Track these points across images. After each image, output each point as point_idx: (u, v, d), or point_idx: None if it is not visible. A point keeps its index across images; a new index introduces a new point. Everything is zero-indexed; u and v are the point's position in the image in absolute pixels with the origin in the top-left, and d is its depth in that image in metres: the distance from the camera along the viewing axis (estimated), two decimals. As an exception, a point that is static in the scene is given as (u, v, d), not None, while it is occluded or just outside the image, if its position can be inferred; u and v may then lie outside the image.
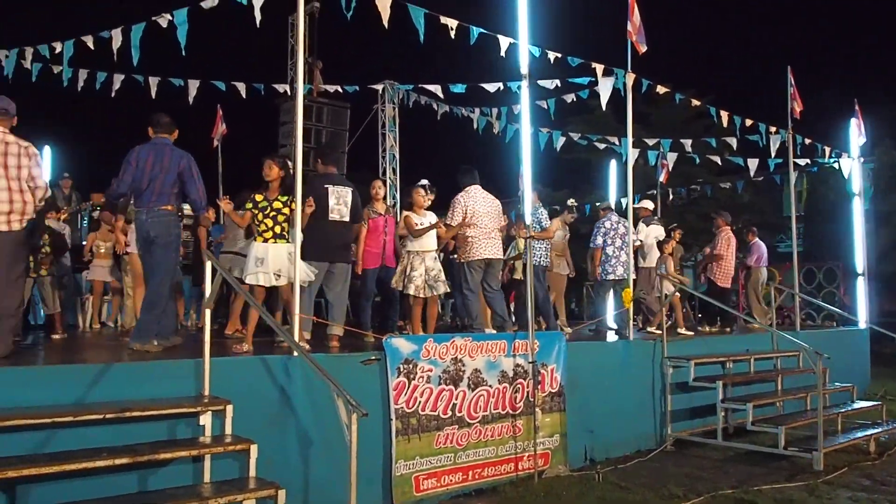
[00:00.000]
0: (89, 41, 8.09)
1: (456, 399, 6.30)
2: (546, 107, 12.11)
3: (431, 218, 7.33)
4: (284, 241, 6.22)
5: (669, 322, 10.34)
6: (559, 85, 10.78)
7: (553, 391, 7.10)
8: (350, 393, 4.38)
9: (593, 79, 8.79)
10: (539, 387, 6.87)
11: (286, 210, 6.25)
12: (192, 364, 5.06)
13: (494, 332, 7.65)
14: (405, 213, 7.54)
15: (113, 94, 10.59)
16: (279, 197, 6.29)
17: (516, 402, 6.74)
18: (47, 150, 15.29)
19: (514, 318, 8.87)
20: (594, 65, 8.54)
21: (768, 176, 15.04)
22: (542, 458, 6.83)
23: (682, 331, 10.10)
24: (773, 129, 11.41)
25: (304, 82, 8.20)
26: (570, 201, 11.13)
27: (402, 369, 5.96)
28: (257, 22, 6.48)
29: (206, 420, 4.83)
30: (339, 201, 6.92)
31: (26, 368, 4.89)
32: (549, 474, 6.84)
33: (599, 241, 9.79)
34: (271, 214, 6.23)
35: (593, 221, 10.84)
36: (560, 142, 13.42)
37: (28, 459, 4.05)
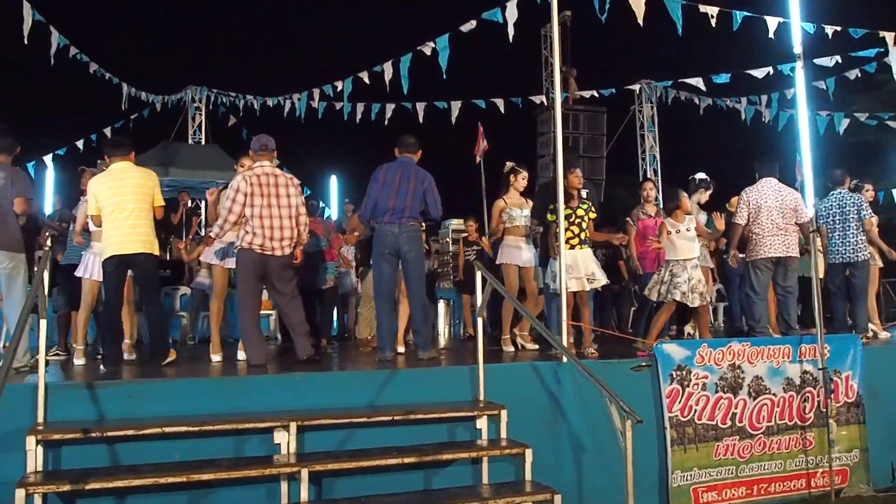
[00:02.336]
0: (365, 76, 8.92)
1: (735, 408, 5.91)
2: (824, 87, 10.98)
3: (691, 223, 6.91)
4: (587, 247, 6.55)
5: None
6: (839, 61, 9.72)
7: (849, 401, 6.37)
8: (623, 400, 4.32)
9: (881, 49, 7.79)
10: (832, 396, 6.20)
11: (587, 216, 6.57)
12: (468, 370, 5.33)
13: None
14: (664, 218, 7.24)
15: (386, 123, 11.58)
16: (580, 205, 6.55)
17: (805, 413, 6.15)
18: (333, 179, 17.21)
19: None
20: (882, 33, 7.58)
21: None
22: (838, 475, 6.16)
23: None
24: None
25: (561, 91, 8.29)
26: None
27: (674, 376, 5.73)
28: (510, 37, 6.69)
29: (482, 424, 5.05)
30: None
31: (327, 374, 5.49)
32: (849, 493, 6.14)
33: None
34: (576, 222, 6.50)
35: (890, 210, 9.51)
36: (843, 124, 12.07)
37: (333, 455, 4.55)
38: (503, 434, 5.01)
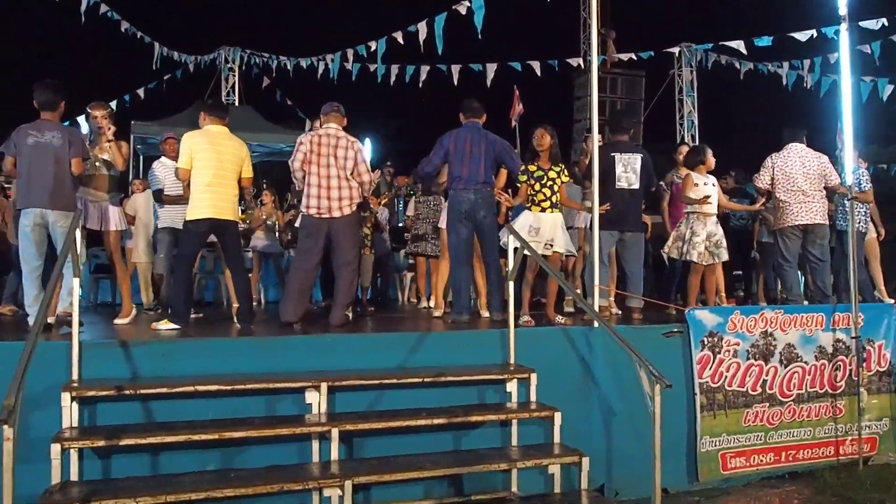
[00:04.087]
0: (399, 37, 8.81)
1: (766, 375, 5.85)
2: (869, 51, 10.60)
3: (712, 180, 6.82)
4: (558, 211, 6.33)
5: None
6: (885, 24, 9.35)
7: (882, 370, 6.31)
8: (652, 365, 4.28)
9: (932, 11, 7.47)
10: (864, 365, 6.13)
11: (559, 180, 6.33)
12: (499, 334, 5.34)
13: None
14: (686, 172, 7.12)
15: (420, 85, 11.46)
16: (552, 167, 6.35)
17: (836, 381, 6.09)
18: (368, 142, 17.16)
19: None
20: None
21: None
22: (867, 443, 6.15)
23: None
24: None
25: (598, 54, 8.10)
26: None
27: (706, 342, 5.67)
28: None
29: (512, 387, 5.07)
30: (627, 169, 6.77)
31: (359, 336, 5.54)
32: (877, 461, 6.11)
33: None
34: (548, 184, 6.30)
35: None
36: (887, 91, 11.67)
37: (362, 416, 4.61)
38: (533, 397, 5.03)
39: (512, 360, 5.19)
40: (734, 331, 5.77)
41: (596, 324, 5.26)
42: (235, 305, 6.34)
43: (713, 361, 5.68)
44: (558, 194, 6.34)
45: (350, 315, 6.42)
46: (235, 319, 6.16)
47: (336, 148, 5.98)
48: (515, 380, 5.06)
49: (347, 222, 6.01)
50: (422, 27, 8.21)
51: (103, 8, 9.87)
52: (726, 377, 5.72)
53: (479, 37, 7.11)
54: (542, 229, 6.23)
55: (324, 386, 4.58)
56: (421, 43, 8.25)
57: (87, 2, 8.16)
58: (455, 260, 6.38)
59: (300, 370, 4.79)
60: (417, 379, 4.80)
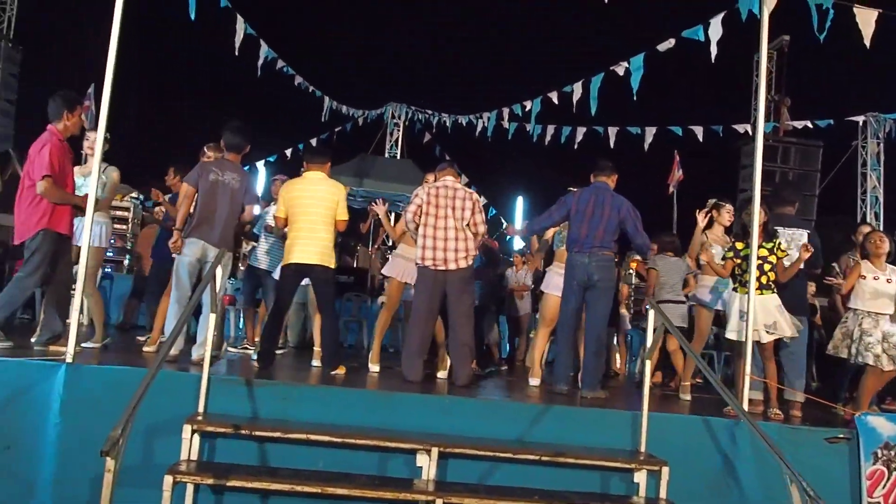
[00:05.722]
0: (554, 97, 8.68)
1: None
2: None
3: (893, 275, 5.88)
4: (770, 292, 5.72)
5: None
6: None
7: None
8: (809, 477, 3.68)
9: None
10: None
11: (772, 258, 5.74)
12: (630, 416, 4.88)
13: None
14: (856, 260, 6.28)
15: (575, 146, 11.25)
16: (763, 243, 5.76)
17: None
18: (520, 200, 17.14)
19: None
20: None
21: None
22: None
23: None
24: None
25: (769, 120, 7.51)
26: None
27: (880, 455, 4.88)
28: (712, 57, 6.13)
29: (640, 478, 4.57)
30: (791, 245, 6.10)
31: (477, 401, 5.24)
32: None
33: None
34: (757, 263, 5.67)
35: None
36: None
37: (471, 489, 4.29)
38: (663, 494, 4.49)
39: (643, 448, 4.70)
40: (915, 443, 4.94)
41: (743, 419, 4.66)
42: (317, 349, 6.31)
43: (888, 479, 4.86)
44: (769, 274, 5.74)
45: (478, 371, 6.19)
46: (319, 364, 6.12)
47: (454, 199, 5.90)
48: (645, 471, 4.56)
49: (462, 276, 5.87)
50: (577, 87, 8.02)
51: (280, 63, 10.52)
52: (903, 498, 4.88)
53: (635, 98, 6.79)
54: (754, 313, 5.63)
55: (434, 451, 4.36)
56: (574, 103, 8.04)
57: (264, 56, 8.73)
58: (560, 325, 6.05)
59: (414, 430, 4.61)
60: (534, 456, 4.44)
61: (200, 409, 4.50)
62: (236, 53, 7.64)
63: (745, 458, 4.74)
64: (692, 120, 11.19)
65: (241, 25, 7.60)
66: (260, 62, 8.68)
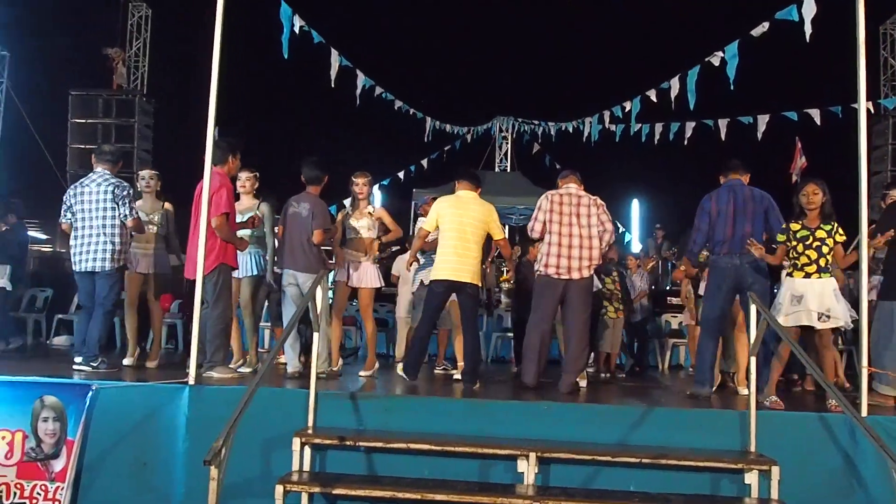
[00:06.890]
0: (652, 94, 8.50)
1: None
2: None
3: None
4: (828, 276, 5.36)
5: None
6: None
7: None
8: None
9: None
10: None
11: (830, 241, 5.36)
12: (737, 416, 4.71)
13: None
14: None
15: (685, 142, 10.91)
16: (822, 225, 5.41)
17: None
18: (635, 203, 16.71)
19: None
20: None
21: None
22: None
23: None
24: None
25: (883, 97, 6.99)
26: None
27: None
28: (807, 36, 5.83)
29: (751, 479, 4.39)
30: None
31: (576, 406, 5.20)
32: None
33: None
34: (814, 245, 5.37)
35: None
36: None
37: (570, 493, 4.29)
38: (774, 495, 4.28)
39: (752, 448, 4.51)
40: None
41: (864, 413, 4.38)
42: (460, 364, 6.40)
43: None
44: (828, 257, 5.43)
45: (582, 383, 6.13)
46: (460, 379, 6.17)
47: (578, 206, 5.88)
48: (756, 471, 4.36)
49: (584, 286, 5.86)
50: (674, 83, 7.81)
51: (378, 90, 10.84)
52: None
53: (732, 87, 6.54)
54: (806, 297, 5.35)
55: (532, 456, 4.40)
56: (672, 99, 7.83)
57: (362, 85, 9.04)
58: (706, 330, 5.84)
59: (512, 436, 4.67)
60: (634, 459, 4.36)
61: (310, 422, 4.74)
62: (332, 85, 7.99)
63: (869, 457, 4.42)
64: (800, 104, 10.54)
65: (335, 58, 7.96)
66: (358, 91, 8.99)
